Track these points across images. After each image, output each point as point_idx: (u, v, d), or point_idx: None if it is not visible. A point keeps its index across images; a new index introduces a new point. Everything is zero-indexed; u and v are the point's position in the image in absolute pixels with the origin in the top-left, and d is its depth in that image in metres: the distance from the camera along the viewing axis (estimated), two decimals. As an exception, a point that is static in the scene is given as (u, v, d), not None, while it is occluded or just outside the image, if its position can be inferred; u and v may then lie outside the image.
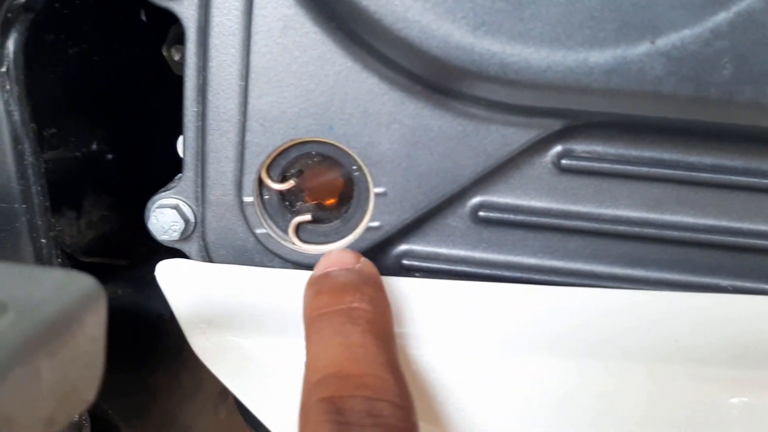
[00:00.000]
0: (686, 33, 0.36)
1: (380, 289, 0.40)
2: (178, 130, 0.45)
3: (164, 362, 0.66)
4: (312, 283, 0.40)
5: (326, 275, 0.40)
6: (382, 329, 0.37)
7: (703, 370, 0.43)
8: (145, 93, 0.64)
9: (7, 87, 0.39)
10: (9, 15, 0.38)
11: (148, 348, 0.64)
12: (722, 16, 0.36)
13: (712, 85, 0.37)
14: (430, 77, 0.40)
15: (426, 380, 0.44)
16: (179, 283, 0.44)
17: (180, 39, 0.57)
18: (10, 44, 0.39)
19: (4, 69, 0.39)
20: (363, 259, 0.42)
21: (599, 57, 0.37)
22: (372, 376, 0.33)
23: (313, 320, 0.37)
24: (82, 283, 0.26)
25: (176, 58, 0.58)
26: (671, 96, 0.37)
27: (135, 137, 0.65)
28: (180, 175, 0.47)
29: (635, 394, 0.44)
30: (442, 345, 0.44)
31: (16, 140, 0.40)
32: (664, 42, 0.36)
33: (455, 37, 0.37)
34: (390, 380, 0.33)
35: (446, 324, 0.43)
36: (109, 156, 0.64)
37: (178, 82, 0.44)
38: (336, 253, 0.41)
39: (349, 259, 0.41)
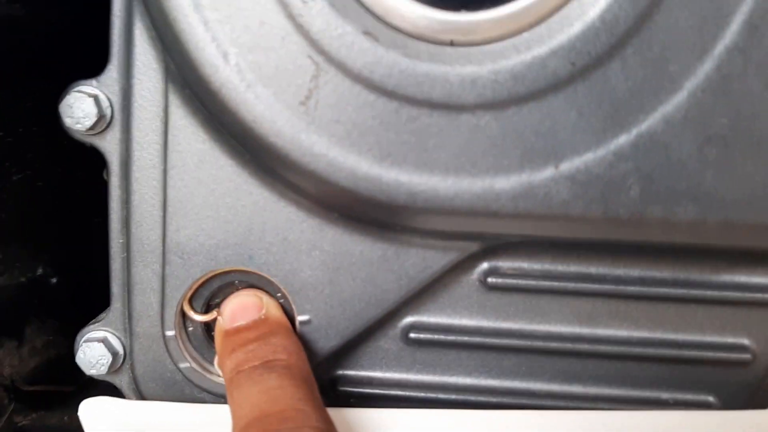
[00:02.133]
0: (589, 156, 0.36)
1: (290, 335, 0.41)
2: None
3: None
4: (225, 338, 0.41)
5: (236, 331, 0.41)
6: (298, 371, 0.38)
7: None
8: (88, 215, 0.64)
9: None
10: None
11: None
12: (623, 139, 0.36)
13: (620, 206, 0.36)
14: (344, 206, 0.39)
15: None
16: (103, 423, 0.42)
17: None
18: None
19: None
20: (266, 300, 0.42)
21: (505, 183, 0.37)
22: (292, 410, 0.35)
23: (232, 380, 0.38)
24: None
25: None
26: (580, 218, 0.37)
27: (80, 260, 0.64)
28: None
29: None
30: None
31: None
32: (568, 166, 0.36)
33: (362, 168, 0.37)
34: (309, 410, 0.35)
35: None
36: (54, 280, 0.63)
37: None
38: (239, 299, 0.42)
39: (253, 306, 0.41)
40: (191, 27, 0.36)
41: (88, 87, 0.42)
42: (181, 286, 0.42)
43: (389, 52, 0.35)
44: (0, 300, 0.57)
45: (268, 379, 0.36)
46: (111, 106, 0.42)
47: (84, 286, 0.65)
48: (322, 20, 0.35)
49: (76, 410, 0.63)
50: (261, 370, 0.37)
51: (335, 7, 0.35)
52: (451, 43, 0.35)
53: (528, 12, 0.35)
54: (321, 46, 0.36)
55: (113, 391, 0.48)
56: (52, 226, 0.63)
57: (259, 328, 0.40)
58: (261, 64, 0.36)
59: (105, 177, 0.60)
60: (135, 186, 0.42)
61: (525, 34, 0.35)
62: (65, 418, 0.63)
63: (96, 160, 0.60)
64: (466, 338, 0.43)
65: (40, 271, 0.63)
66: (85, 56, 0.53)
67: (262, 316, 0.41)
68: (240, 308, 0.41)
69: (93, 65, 0.45)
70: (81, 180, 0.63)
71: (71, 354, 0.64)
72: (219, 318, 0.42)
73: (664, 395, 0.44)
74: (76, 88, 0.42)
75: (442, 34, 0.35)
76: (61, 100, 0.42)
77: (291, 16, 0.35)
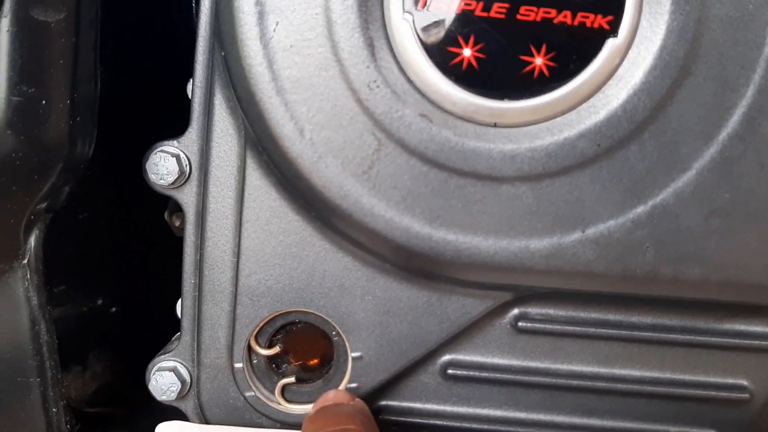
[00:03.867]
0: (611, 223, 0.42)
1: (372, 421, 0.45)
2: (174, 283, 0.51)
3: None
4: (309, 419, 0.45)
5: (323, 409, 0.45)
6: None
7: None
8: (147, 251, 0.70)
9: (28, 276, 0.45)
10: (32, 217, 0.44)
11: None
12: (641, 209, 0.42)
13: (637, 266, 0.43)
14: (396, 259, 0.46)
15: None
16: (176, 445, 0.48)
17: (180, 207, 0.64)
18: (32, 240, 0.45)
19: (25, 261, 0.45)
20: (357, 399, 0.47)
21: (538, 244, 0.43)
22: None
23: None
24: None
25: (177, 224, 0.64)
26: (603, 275, 0.43)
27: (136, 292, 0.70)
28: (178, 335, 0.52)
29: None
30: None
31: (33, 322, 0.46)
32: (593, 231, 0.42)
33: (415, 228, 0.43)
34: None
35: None
36: (113, 309, 0.69)
37: (178, 243, 0.50)
38: (332, 392, 0.47)
39: (344, 398, 0.46)
40: (274, 107, 0.42)
41: (171, 147, 0.48)
42: (250, 323, 0.48)
43: (441, 132, 0.42)
44: (65, 327, 0.63)
45: None
46: (189, 164, 0.49)
47: (139, 316, 0.71)
48: (385, 104, 0.42)
49: (130, 431, 0.69)
50: None
51: (396, 93, 0.42)
52: (495, 125, 0.42)
53: (560, 101, 0.41)
54: (383, 125, 0.42)
55: (163, 414, 0.54)
56: (112, 261, 0.69)
57: (345, 408, 0.45)
58: (331, 138, 0.42)
59: (166, 218, 0.66)
60: (209, 234, 0.48)
61: (558, 119, 0.41)
62: (120, 438, 0.68)
63: (156, 203, 0.66)
64: (497, 375, 0.49)
65: (100, 301, 0.69)
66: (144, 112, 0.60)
67: (351, 404, 0.45)
68: (332, 398, 0.46)
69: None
70: (140, 221, 0.69)
71: (126, 378, 0.70)
72: (309, 414, 0.45)
73: (672, 429, 0.50)
74: (160, 148, 0.48)
75: (487, 117, 0.41)
76: (147, 159, 0.48)
77: (359, 100, 0.42)
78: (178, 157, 0.48)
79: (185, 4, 0.52)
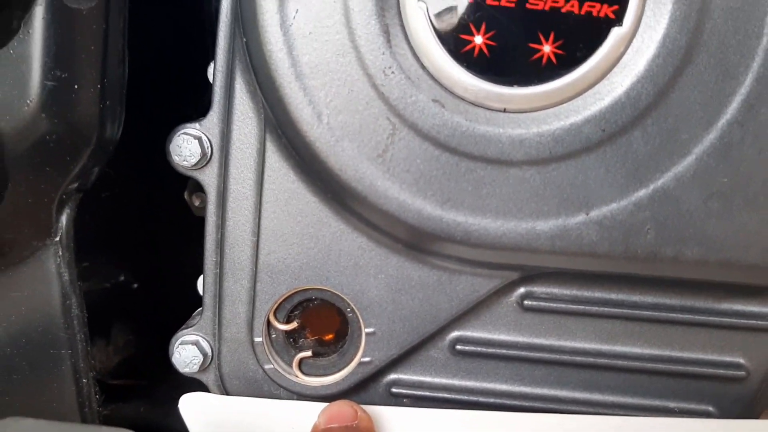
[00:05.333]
0: (614, 206, 0.44)
1: None
2: (193, 260, 0.53)
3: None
4: None
5: (329, 431, 0.47)
6: None
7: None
8: (167, 230, 0.72)
9: (59, 253, 0.48)
10: (64, 196, 0.47)
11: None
12: (643, 192, 0.44)
13: (638, 246, 0.45)
14: (408, 239, 0.48)
15: None
16: (199, 414, 0.51)
17: (199, 187, 0.66)
18: (63, 218, 0.48)
19: (57, 239, 0.47)
20: (360, 414, 0.48)
21: (544, 226, 0.45)
22: None
23: None
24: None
25: (196, 203, 0.66)
26: (606, 255, 0.45)
27: (157, 268, 0.73)
28: (199, 310, 0.55)
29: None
30: None
31: (64, 297, 0.48)
32: (596, 213, 0.44)
33: (427, 210, 0.45)
34: None
35: None
36: (135, 285, 0.72)
37: (197, 222, 0.52)
38: (337, 406, 0.48)
39: (348, 415, 0.48)
40: (293, 91, 0.44)
41: (193, 129, 0.51)
42: (269, 300, 0.50)
43: (453, 117, 0.44)
44: (90, 302, 0.65)
45: None
46: (211, 146, 0.51)
47: (160, 292, 0.73)
48: (400, 89, 0.44)
49: (149, 402, 0.72)
50: None
51: (410, 79, 0.44)
52: (504, 110, 0.44)
53: (567, 88, 0.43)
54: (397, 110, 0.44)
55: (182, 386, 0.56)
56: (133, 239, 0.71)
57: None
58: (348, 123, 0.44)
59: (186, 198, 0.68)
60: (230, 214, 0.51)
61: (564, 105, 0.43)
62: (141, 409, 0.71)
63: (177, 184, 0.68)
64: (503, 351, 0.51)
65: (122, 277, 0.72)
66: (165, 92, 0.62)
67: (355, 425, 0.47)
68: (337, 413, 0.47)
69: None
70: (161, 200, 0.72)
71: (147, 352, 0.73)
72: (317, 421, 0.48)
73: (671, 404, 0.52)
74: (183, 131, 0.51)
75: (497, 103, 0.43)
76: (170, 141, 0.51)
77: (374, 86, 0.44)
78: (200, 140, 0.50)
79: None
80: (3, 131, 0.43)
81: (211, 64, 0.51)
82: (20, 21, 0.41)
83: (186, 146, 0.51)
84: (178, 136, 0.51)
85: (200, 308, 0.55)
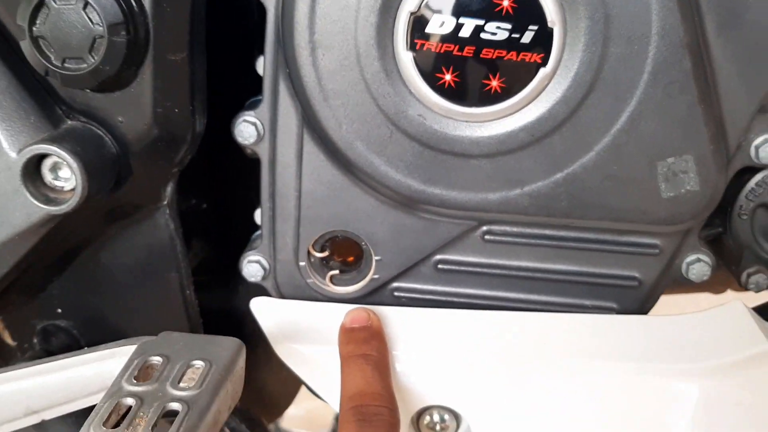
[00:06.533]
0: (540, 184, 0.66)
1: (382, 339, 0.70)
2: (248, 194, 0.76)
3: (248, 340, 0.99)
4: (343, 333, 0.71)
5: (351, 330, 0.71)
6: (383, 366, 0.66)
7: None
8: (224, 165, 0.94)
9: (167, 212, 0.70)
10: (169, 176, 0.69)
11: (237, 331, 0.97)
12: (559, 175, 0.65)
13: (556, 211, 0.67)
14: (403, 201, 0.70)
15: (406, 386, 0.75)
16: (267, 313, 0.76)
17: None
18: (168, 189, 0.70)
19: (165, 203, 0.70)
20: (372, 315, 0.72)
21: (493, 196, 0.67)
22: (377, 394, 0.61)
23: (344, 360, 0.68)
24: (234, 342, 0.58)
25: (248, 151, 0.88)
26: (534, 216, 0.67)
27: (222, 196, 0.95)
28: (257, 233, 0.78)
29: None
30: (417, 359, 0.75)
31: (171, 239, 0.72)
32: (528, 188, 0.66)
33: (414, 186, 0.67)
34: (386, 396, 0.62)
35: (423, 344, 0.75)
36: (204, 206, 0.95)
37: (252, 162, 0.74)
38: (356, 311, 0.72)
39: (364, 318, 0.72)
40: (322, 109, 0.65)
41: (250, 116, 0.71)
42: (308, 237, 0.74)
43: (432, 126, 0.64)
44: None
45: (365, 369, 0.62)
46: (263, 127, 0.71)
47: (221, 212, 0.97)
48: (395, 107, 0.64)
49: (213, 293, 0.97)
50: (361, 361, 0.63)
51: (403, 101, 0.64)
52: (466, 122, 0.64)
53: (509, 108, 0.63)
54: (393, 121, 0.65)
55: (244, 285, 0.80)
56: (200, 172, 0.93)
57: (364, 331, 0.68)
58: (360, 129, 0.65)
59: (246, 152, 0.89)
60: (278, 177, 0.72)
61: (506, 119, 0.64)
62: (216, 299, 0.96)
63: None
64: (471, 268, 0.74)
65: (193, 201, 0.95)
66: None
67: (368, 324, 0.69)
68: (357, 317, 0.70)
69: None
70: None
71: (214, 257, 0.97)
72: (343, 321, 0.70)
73: (587, 302, 0.75)
74: (243, 118, 0.71)
75: (461, 118, 0.64)
76: (235, 125, 0.71)
77: (377, 105, 0.64)
78: (255, 125, 0.71)
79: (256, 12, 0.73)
80: (130, 140, 0.65)
81: (260, 58, 0.70)
82: (137, 70, 0.62)
83: (245, 129, 0.71)
84: (240, 122, 0.71)
85: (258, 231, 0.78)
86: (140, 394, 0.50)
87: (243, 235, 0.82)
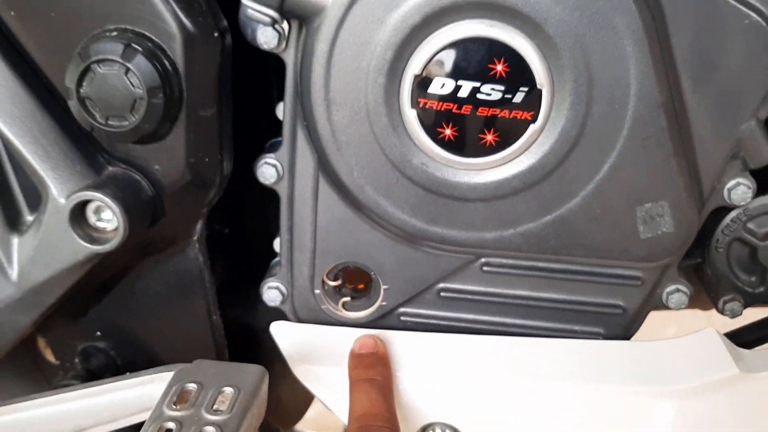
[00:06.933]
0: (531, 225, 0.73)
1: (387, 365, 0.78)
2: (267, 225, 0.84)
3: (267, 356, 1.07)
4: (352, 358, 0.79)
5: (360, 356, 0.78)
6: (387, 389, 0.72)
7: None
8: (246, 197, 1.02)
9: (197, 246, 0.79)
10: (199, 214, 0.77)
11: (258, 346, 1.05)
12: (548, 217, 0.73)
13: (545, 249, 0.74)
14: (408, 237, 0.78)
15: (411, 404, 0.83)
16: (286, 335, 0.83)
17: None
18: (198, 226, 0.78)
19: (196, 238, 0.78)
20: (379, 342, 0.80)
21: (489, 235, 0.74)
22: (381, 415, 0.66)
23: (352, 383, 0.75)
24: (258, 370, 0.66)
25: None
26: (525, 252, 0.75)
27: (242, 225, 1.03)
28: (276, 260, 0.86)
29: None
30: (421, 379, 0.82)
31: (200, 270, 0.80)
32: (520, 229, 0.73)
33: (418, 225, 0.75)
34: (389, 416, 0.67)
35: (426, 366, 0.82)
36: (226, 231, 1.03)
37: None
38: (364, 338, 0.80)
39: (371, 344, 0.79)
40: (336, 158, 0.73)
41: (271, 159, 0.79)
42: (324, 266, 0.81)
43: (434, 173, 0.72)
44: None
45: (371, 392, 0.68)
46: (283, 168, 0.79)
47: (242, 239, 1.04)
48: (401, 156, 0.72)
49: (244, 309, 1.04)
50: (368, 385, 0.69)
51: (408, 151, 0.71)
52: (465, 170, 0.72)
53: (502, 159, 0.70)
54: (400, 168, 0.72)
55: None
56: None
57: (371, 357, 0.74)
58: (369, 175, 0.73)
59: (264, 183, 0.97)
60: (296, 213, 0.80)
61: (501, 167, 0.71)
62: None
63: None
64: (470, 296, 0.82)
65: (216, 227, 1.02)
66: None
67: (375, 351, 0.75)
68: (365, 343, 0.78)
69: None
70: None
71: (235, 275, 1.05)
72: (353, 346, 0.77)
73: (576, 327, 0.82)
74: (265, 160, 0.79)
75: (461, 167, 0.71)
76: (257, 167, 0.79)
77: (386, 155, 0.72)
78: (275, 166, 0.79)
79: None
80: (165, 184, 0.73)
81: (280, 104, 0.78)
82: (172, 125, 0.70)
83: (267, 170, 0.79)
84: (262, 164, 0.79)
85: (276, 259, 0.86)
86: (179, 419, 0.58)
87: (261, 257, 0.90)
